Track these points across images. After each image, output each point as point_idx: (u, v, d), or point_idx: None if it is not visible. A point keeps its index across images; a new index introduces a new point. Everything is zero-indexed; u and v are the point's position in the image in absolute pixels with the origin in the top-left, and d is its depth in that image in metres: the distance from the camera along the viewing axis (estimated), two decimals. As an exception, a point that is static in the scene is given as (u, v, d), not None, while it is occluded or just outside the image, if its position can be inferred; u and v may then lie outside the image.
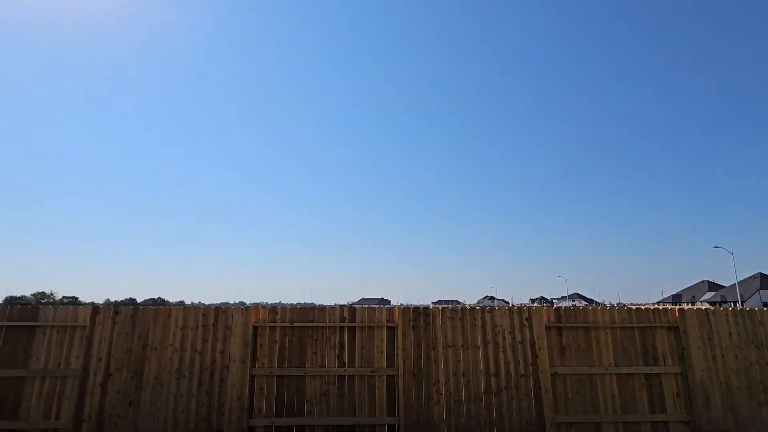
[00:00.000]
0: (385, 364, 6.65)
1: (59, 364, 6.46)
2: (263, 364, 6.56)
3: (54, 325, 6.59)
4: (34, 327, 6.59)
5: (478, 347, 6.72)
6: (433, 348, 6.69)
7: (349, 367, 6.61)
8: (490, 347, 6.73)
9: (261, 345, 6.65)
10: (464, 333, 6.77)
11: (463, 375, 6.60)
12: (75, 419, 6.19)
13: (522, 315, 6.90)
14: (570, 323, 6.85)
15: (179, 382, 6.39)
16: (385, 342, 6.75)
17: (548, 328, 6.83)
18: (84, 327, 6.58)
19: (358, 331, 6.77)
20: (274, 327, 6.72)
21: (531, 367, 6.64)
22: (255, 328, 6.68)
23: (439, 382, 6.56)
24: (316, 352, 6.66)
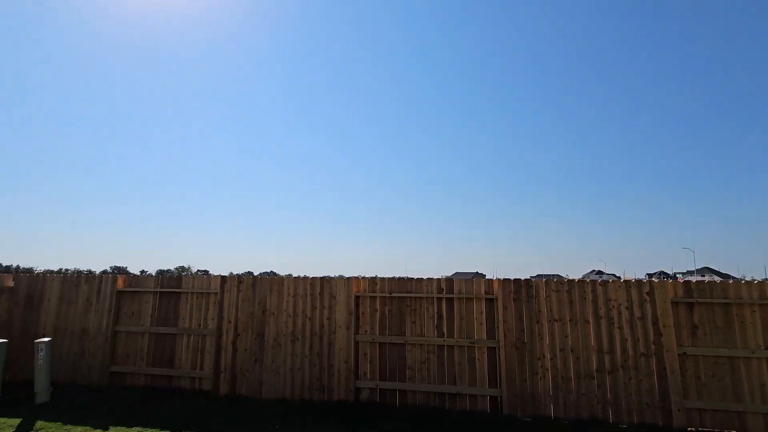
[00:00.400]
0: (484, 336, 6.55)
1: (199, 324, 7.61)
2: (365, 331, 6.94)
3: (193, 292, 7.75)
4: (179, 293, 7.84)
5: (588, 322, 6.23)
6: (537, 321, 6.38)
7: (448, 337, 6.65)
8: (603, 323, 6.19)
9: (363, 313, 7.01)
10: (572, 307, 6.32)
11: (572, 351, 6.20)
12: (214, 371, 7.29)
13: (642, 289, 6.18)
14: (704, 298, 5.95)
15: (294, 344, 7.09)
16: (484, 314, 6.63)
17: (675, 303, 6.03)
18: (216, 293, 7.62)
19: (455, 302, 6.75)
20: (374, 297, 7.01)
21: (653, 346, 5.97)
22: (356, 297, 7.05)
23: (544, 356, 6.27)
24: (414, 322, 6.81)
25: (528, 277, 6.50)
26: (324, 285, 7.19)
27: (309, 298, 7.20)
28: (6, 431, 5.47)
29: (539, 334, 6.35)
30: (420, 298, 6.87)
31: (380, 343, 6.86)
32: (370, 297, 7.03)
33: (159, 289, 7.88)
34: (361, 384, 6.75)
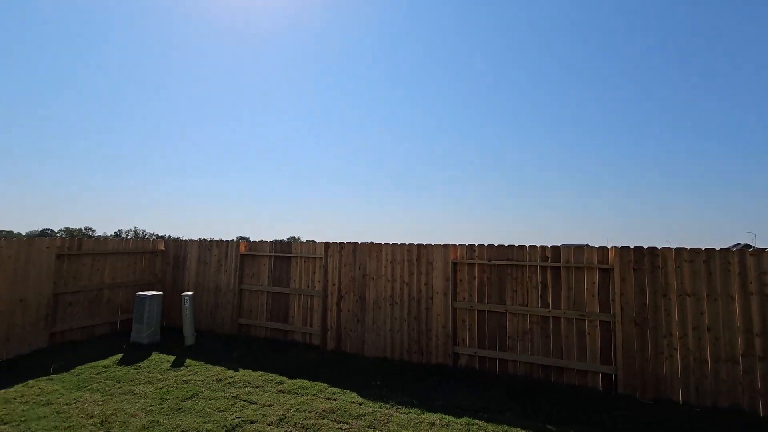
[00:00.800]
0: (597, 309, 5.96)
1: (308, 286, 8.29)
2: (463, 298, 6.83)
3: (301, 256, 8.42)
4: (290, 257, 8.60)
5: (733, 298, 5.25)
6: (664, 295, 5.58)
7: (553, 308, 6.21)
8: (754, 300, 5.16)
9: (461, 280, 6.90)
10: (710, 280, 5.37)
11: (709, 330, 5.32)
12: (322, 328, 7.92)
13: (813, 260, 4.97)
14: None
15: (392, 307, 7.31)
16: (596, 285, 6.01)
17: None
18: (321, 258, 8.18)
19: (563, 271, 6.23)
20: (473, 264, 6.82)
21: (828, 331, 4.81)
22: (454, 264, 6.94)
23: (671, 335, 5.49)
24: (516, 291, 6.49)
25: (652, 246, 5.66)
26: (421, 251, 7.22)
27: (406, 264, 7.30)
28: (165, 365, 6.68)
29: (666, 310, 5.55)
30: (522, 266, 6.48)
31: (479, 311, 6.71)
32: (468, 264, 6.86)
33: (273, 254, 8.74)
34: (459, 350, 6.73)
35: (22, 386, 5.66)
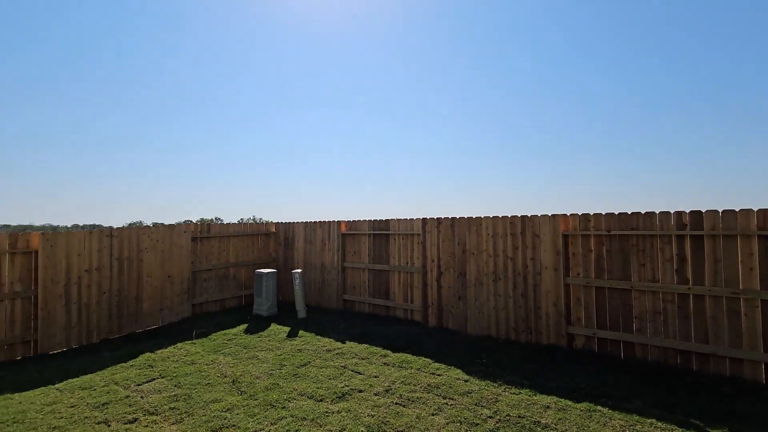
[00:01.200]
0: (756, 286, 4.86)
1: (407, 263, 8.30)
2: (578, 274, 6.15)
3: (399, 233, 8.45)
4: (388, 234, 8.69)
5: None
6: None
7: (694, 285, 5.24)
8: None
9: (573, 254, 6.22)
10: None
11: None
12: (423, 304, 7.89)
13: None
14: None
15: (496, 283, 6.93)
16: (756, 256, 4.89)
17: None
18: (418, 234, 8.11)
19: (707, 241, 5.19)
20: (587, 235, 6.09)
21: None
22: (565, 236, 6.28)
23: None
24: (644, 265, 5.62)
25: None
26: (526, 223, 6.67)
27: (509, 237, 6.83)
28: (282, 335, 7.32)
29: None
30: (651, 236, 5.58)
31: (597, 288, 5.99)
32: (582, 235, 6.14)
33: (372, 232, 8.92)
34: (574, 330, 6.12)
35: (173, 348, 6.68)
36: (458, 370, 5.41)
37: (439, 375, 5.29)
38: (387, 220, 8.80)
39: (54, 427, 4.14)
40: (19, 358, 6.44)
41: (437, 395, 4.71)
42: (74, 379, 5.39)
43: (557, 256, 6.30)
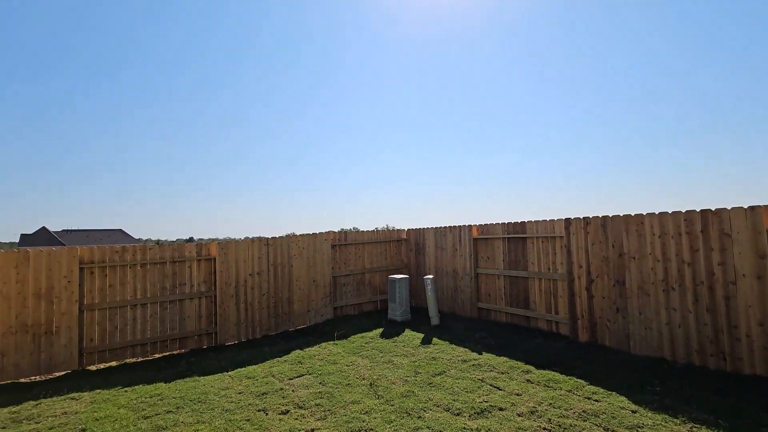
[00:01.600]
0: None
1: (548, 269, 7.46)
2: (797, 284, 4.60)
3: (538, 236, 7.66)
4: (524, 238, 7.97)
5: None
6: None
7: None
8: None
9: (787, 258, 4.68)
10: None
11: None
12: (570, 316, 6.95)
13: None
14: None
15: (667, 294, 5.67)
16: None
17: None
18: (561, 237, 7.21)
19: None
20: (811, 232, 4.52)
21: None
22: (772, 234, 4.78)
23: None
24: None
25: None
26: (709, 219, 5.31)
27: (685, 237, 5.53)
28: (416, 341, 7.28)
29: None
30: None
31: (832, 304, 4.37)
32: (801, 233, 4.58)
33: (506, 236, 8.31)
34: (795, 359, 4.57)
35: (318, 347, 7.22)
36: (622, 397, 4.52)
37: (596, 401, 4.50)
38: (523, 223, 8.08)
39: (226, 410, 4.78)
40: (205, 347, 7.77)
41: (596, 425, 3.99)
42: (242, 369, 6.22)
43: (762, 260, 4.83)
